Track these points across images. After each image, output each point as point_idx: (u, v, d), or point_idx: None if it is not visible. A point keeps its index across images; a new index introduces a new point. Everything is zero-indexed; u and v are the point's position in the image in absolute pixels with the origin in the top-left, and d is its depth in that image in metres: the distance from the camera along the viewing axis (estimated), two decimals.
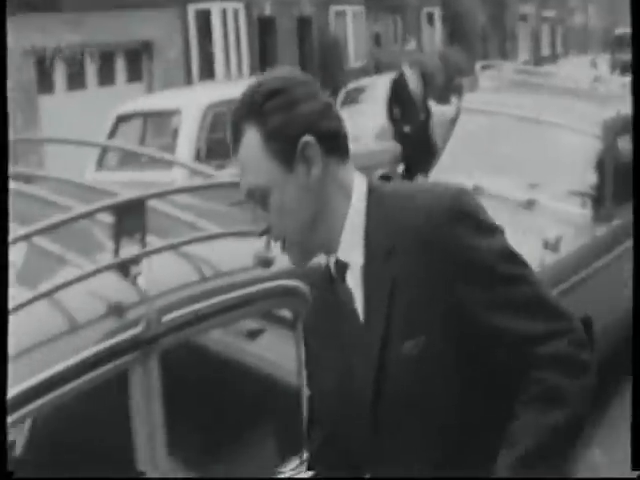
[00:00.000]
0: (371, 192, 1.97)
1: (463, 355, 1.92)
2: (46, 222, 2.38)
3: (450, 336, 1.91)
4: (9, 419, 2.00)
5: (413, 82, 11.88)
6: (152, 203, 2.56)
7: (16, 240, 2.30)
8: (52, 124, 16.04)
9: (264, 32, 23.20)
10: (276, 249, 2.80)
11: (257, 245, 2.63)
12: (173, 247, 2.58)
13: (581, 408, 1.95)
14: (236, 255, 2.77)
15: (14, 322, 2.10)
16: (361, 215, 1.96)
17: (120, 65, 18.41)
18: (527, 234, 6.07)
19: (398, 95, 11.99)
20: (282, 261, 2.75)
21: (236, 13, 21.50)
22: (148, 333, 2.36)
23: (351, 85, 20.41)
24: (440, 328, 1.91)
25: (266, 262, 2.72)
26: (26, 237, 2.34)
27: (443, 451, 1.96)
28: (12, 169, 3.46)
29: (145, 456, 2.34)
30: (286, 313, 2.84)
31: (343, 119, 1.98)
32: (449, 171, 7.34)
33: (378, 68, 26.83)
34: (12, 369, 2.08)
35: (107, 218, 2.50)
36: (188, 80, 19.83)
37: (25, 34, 15.85)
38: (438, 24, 33.37)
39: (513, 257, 1.96)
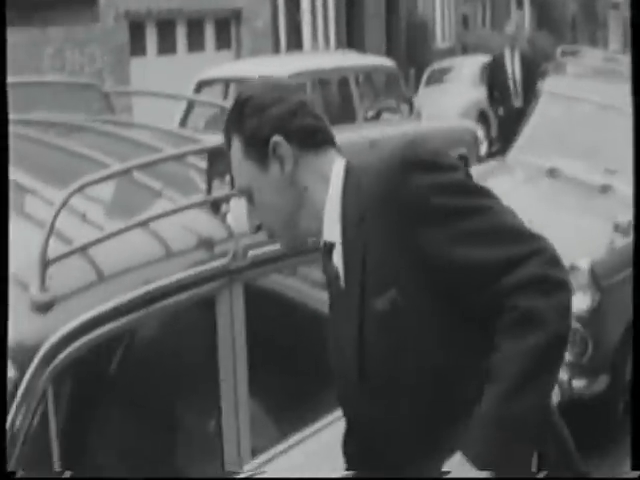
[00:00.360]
0: (348, 172, 2.13)
1: (437, 300, 2.02)
2: (145, 159, 2.64)
3: (421, 284, 2.01)
4: (106, 328, 2.26)
5: (511, 66, 11.77)
6: None
7: (117, 174, 2.57)
8: (141, 86, 16.38)
9: (352, 6, 23.33)
10: None
11: None
12: None
13: (560, 326, 1.96)
14: None
15: (108, 248, 2.36)
16: (338, 196, 2.11)
17: (209, 32, 18.71)
18: (599, 217, 6.21)
19: (495, 77, 11.95)
20: None
21: None
22: (234, 264, 2.61)
23: (436, 65, 20.46)
24: (410, 278, 2.01)
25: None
26: (126, 171, 2.59)
27: (434, 392, 2.06)
28: (110, 117, 3.74)
29: (227, 377, 2.58)
30: None
31: (319, 115, 2.16)
32: (527, 152, 7.48)
33: (465, 50, 26.79)
34: (109, 288, 2.34)
35: (200, 162, 2.75)
36: (276, 49, 20.05)
37: None
38: (527, 8, 33.11)
39: (468, 190, 2.05)
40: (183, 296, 2.50)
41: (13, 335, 2.11)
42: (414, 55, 25.46)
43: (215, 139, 2.79)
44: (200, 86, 11.00)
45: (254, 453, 2.67)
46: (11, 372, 2.07)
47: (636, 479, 2.51)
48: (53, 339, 2.15)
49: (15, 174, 2.57)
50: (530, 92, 9.85)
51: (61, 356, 2.15)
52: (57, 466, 2.20)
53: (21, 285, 2.22)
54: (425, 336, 2.04)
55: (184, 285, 2.49)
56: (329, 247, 2.15)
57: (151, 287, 2.41)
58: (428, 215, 1.99)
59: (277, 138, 2.09)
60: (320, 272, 2.98)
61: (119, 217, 2.56)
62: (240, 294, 2.62)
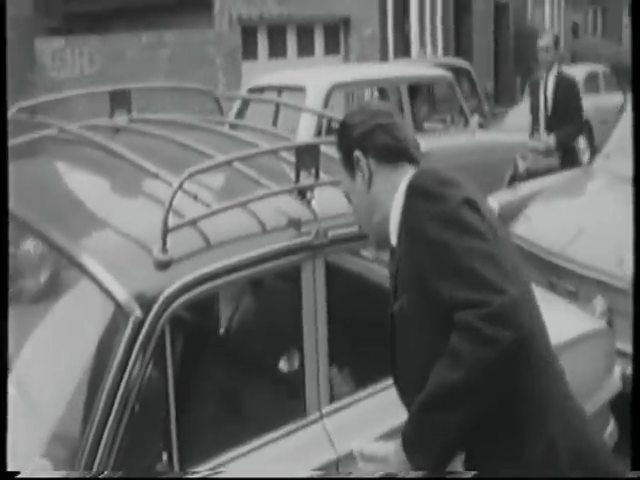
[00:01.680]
0: (408, 189, 2.51)
1: (428, 311, 2.38)
2: (244, 152, 3.23)
3: (419, 295, 2.39)
4: (212, 284, 2.84)
5: (544, 88, 10.99)
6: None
7: (221, 164, 3.15)
8: None
9: (460, 15, 23.53)
10: None
11: None
12: (337, 183, 3.38)
13: (475, 377, 2.22)
14: None
15: (215, 222, 2.94)
16: (398, 209, 2.52)
17: (319, 38, 19.23)
18: None
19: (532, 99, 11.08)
20: None
21: None
22: (317, 241, 3.16)
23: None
24: (414, 289, 2.42)
25: None
26: (230, 162, 3.19)
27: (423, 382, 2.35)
28: (219, 118, 4.32)
29: (310, 333, 3.12)
30: None
31: (398, 135, 2.60)
32: (614, 156, 7.85)
33: (574, 58, 26.73)
34: (215, 254, 2.92)
35: (290, 157, 3.32)
36: (384, 56, 20.46)
37: (233, 3, 16.94)
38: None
39: (456, 225, 2.33)
40: (274, 264, 3.08)
41: (139, 285, 2.73)
42: (522, 63, 25.46)
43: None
44: (251, 92, 11.48)
45: (331, 400, 3.22)
46: (137, 312, 2.67)
47: (636, 479, 2.78)
48: (170, 289, 2.75)
49: (142, 162, 3.19)
50: (569, 115, 8.70)
51: (177, 303, 2.75)
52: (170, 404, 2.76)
53: (146, 248, 2.82)
54: (419, 337, 2.45)
55: (275, 255, 3.06)
56: (392, 250, 2.61)
57: (248, 255, 2.99)
58: (421, 240, 2.37)
59: (357, 153, 2.61)
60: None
61: (224, 199, 3.13)
62: (322, 266, 3.17)
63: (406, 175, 2.57)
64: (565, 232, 6.38)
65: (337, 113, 3.83)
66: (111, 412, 2.58)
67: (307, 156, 3.21)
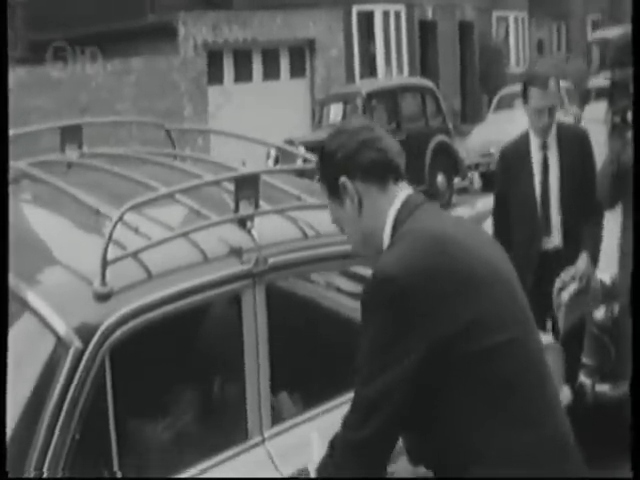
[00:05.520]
0: (400, 212, 2.57)
1: None
2: (184, 185, 3.34)
3: None
4: (152, 314, 2.93)
5: None
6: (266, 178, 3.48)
7: (161, 196, 3.24)
8: (219, 113, 17.12)
9: (425, 35, 23.77)
10: None
11: None
12: (278, 211, 3.49)
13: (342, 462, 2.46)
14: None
15: (157, 253, 3.03)
16: (388, 236, 2.56)
17: (284, 61, 19.41)
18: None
19: None
20: None
21: (398, 15, 22.25)
22: (257, 269, 3.26)
23: (506, 90, 20.71)
24: None
25: None
26: (171, 194, 3.28)
27: None
28: (174, 150, 4.42)
29: (251, 358, 3.21)
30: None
31: (383, 147, 2.57)
32: None
33: None
34: (155, 284, 3.01)
35: (231, 187, 3.42)
36: (350, 78, 20.65)
37: (198, 29, 17.09)
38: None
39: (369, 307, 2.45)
40: (215, 292, 3.17)
41: (78, 317, 2.81)
42: (488, 80, 25.70)
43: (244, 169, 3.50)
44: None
45: (273, 423, 3.31)
46: (77, 344, 2.76)
47: (635, 479, 2.86)
48: (109, 321, 2.84)
49: (83, 197, 3.28)
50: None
51: (116, 333, 2.84)
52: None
53: (86, 280, 2.91)
54: None
55: (215, 283, 3.15)
56: None
57: (188, 284, 3.08)
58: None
59: (343, 179, 2.56)
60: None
61: (166, 230, 3.22)
62: (262, 292, 3.26)
63: (394, 197, 2.57)
64: None
65: None
66: (51, 443, 2.65)
67: (246, 186, 3.31)
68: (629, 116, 4.65)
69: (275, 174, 3.88)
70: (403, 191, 2.61)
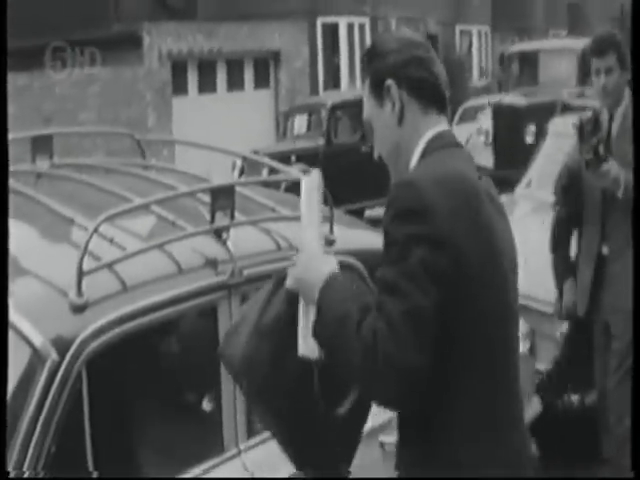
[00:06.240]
0: (427, 146, 2.51)
1: None
2: (159, 196, 3.32)
3: None
4: (128, 326, 2.91)
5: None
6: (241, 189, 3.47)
7: (137, 207, 3.23)
8: (183, 123, 17.08)
9: None
10: (337, 232, 3.67)
11: (323, 230, 3.48)
12: (253, 222, 3.48)
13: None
14: None
15: (131, 265, 3.01)
16: (415, 162, 2.51)
17: (248, 72, 19.42)
18: None
19: None
20: (341, 242, 3.64)
21: (362, 28, 22.33)
22: (232, 280, 3.25)
23: (470, 103, 20.86)
24: None
25: (329, 242, 3.60)
26: (146, 205, 3.27)
27: None
28: (144, 161, 4.40)
29: (227, 382, 3.19)
30: None
31: (435, 72, 2.51)
32: (533, 187, 8.09)
33: (501, 87, 27.21)
34: (131, 296, 2.99)
35: (206, 198, 3.41)
36: (314, 89, 20.69)
37: (163, 39, 17.05)
38: None
39: (403, 246, 2.30)
40: (190, 304, 3.15)
41: (55, 329, 2.79)
42: (451, 93, 25.82)
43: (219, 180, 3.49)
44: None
45: (249, 435, 3.30)
46: (54, 356, 2.73)
47: (635, 479, 2.87)
48: (86, 332, 2.81)
49: (58, 207, 3.26)
50: None
51: (92, 345, 2.81)
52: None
53: (61, 292, 2.88)
54: None
55: (191, 295, 3.14)
56: None
57: (164, 296, 3.06)
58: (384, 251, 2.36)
59: (389, 82, 2.50)
60: None
61: (141, 241, 3.21)
62: (237, 304, 3.26)
63: (433, 125, 2.52)
64: None
65: None
66: (27, 455, 2.63)
67: (222, 197, 3.30)
68: (601, 150, 4.72)
69: (247, 185, 3.86)
70: (443, 123, 2.56)
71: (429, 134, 2.52)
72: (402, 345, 2.22)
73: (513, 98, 16.05)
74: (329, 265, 2.46)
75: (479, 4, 28.86)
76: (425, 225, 2.30)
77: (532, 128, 14.73)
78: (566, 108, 10.28)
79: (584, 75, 14.91)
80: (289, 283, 2.52)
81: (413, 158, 2.52)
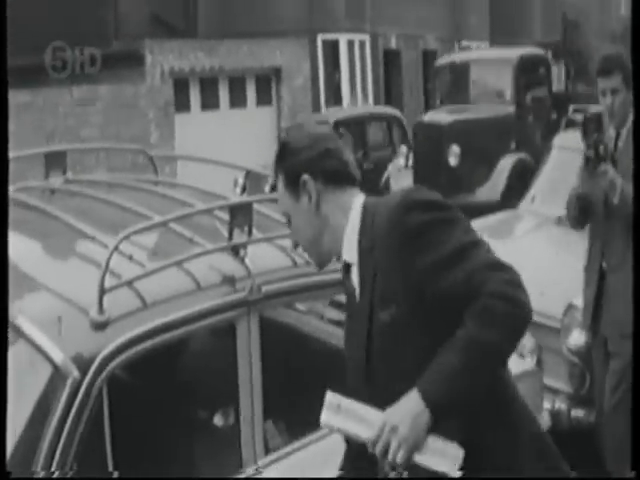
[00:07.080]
0: (365, 207, 2.65)
1: (428, 319, 2.49)
2: (179, 213, 3.31)
3: (416, 305, 2.49)
4: (148, 343, 2.91)
5: None
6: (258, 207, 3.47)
7: (156, 225, 3.22)
8: (186, 141, 17.08)
9: (389, 64, 23.90)
10: None
11: None
12: (270, 239, 3.48)
13: (509, 337, 2.42)
14: None
15: (150, 282, 3.01)
16: (356, 226, 2.63)
17: (250, 89, 19.42)
18: None
19: None
20: None
21: (362, 45, 22.34)
22: (251, 297, 3.25)
23: None
24: (407, 297, 2.50)
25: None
26: (166, 223, 3.26)
27: None
28: (154, 177, 4.39)
29: (245, 387, 3.19)
30: None
31: (344, 159, 2.67)
32: (537, 202, 8.08)
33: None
34: (150, 313, 2.99)
35: (224, 215, 3.40)
36: (315, 106, 20.69)
37: (164, 57, 17.06)
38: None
39: (455, 225, 2.51)
40: (209, 321, 3.15)
41: (75, 346, 2.78)
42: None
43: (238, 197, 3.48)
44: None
45: (267, 452, 3.29)
46: (75, 374, 2.73)
47: (635, 479, 2.87)
48: (107, 350, 2.81)
49: (78, 224, 3.25)
50: None
51: (113, 363, 2.81)
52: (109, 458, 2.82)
53: (83, 310, 2.88)
54: (416, 342, 2.51)
55: (210, 312, 3.13)
56: (347, 266, 2.66)
57: (184, 313, 3.06)
58: (425, 243, 2.47)
59: (305, 177, 2.63)
60: (323, 306, 3.63)
61: (159, 258, 3.20)
62: (256, 321, 3.25)
63: (356, 197, 2.67)
64: None
65: None
66: (49, 472, 2.62)
67: (240, 214, 3.30)
68: (601, 150, 4.71)
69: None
70: (360, 195, 2.70)
71: (358, 201, 2.67)
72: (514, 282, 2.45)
73: (434, 115, 14.29)
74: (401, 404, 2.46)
75: (478, 21, 28.92)
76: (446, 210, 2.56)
77: (455, 149, 13.05)
78: (570, 123, 10.25)
79: (522, 88, 14.04)
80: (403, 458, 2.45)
81: (350, 223, 2.64)
